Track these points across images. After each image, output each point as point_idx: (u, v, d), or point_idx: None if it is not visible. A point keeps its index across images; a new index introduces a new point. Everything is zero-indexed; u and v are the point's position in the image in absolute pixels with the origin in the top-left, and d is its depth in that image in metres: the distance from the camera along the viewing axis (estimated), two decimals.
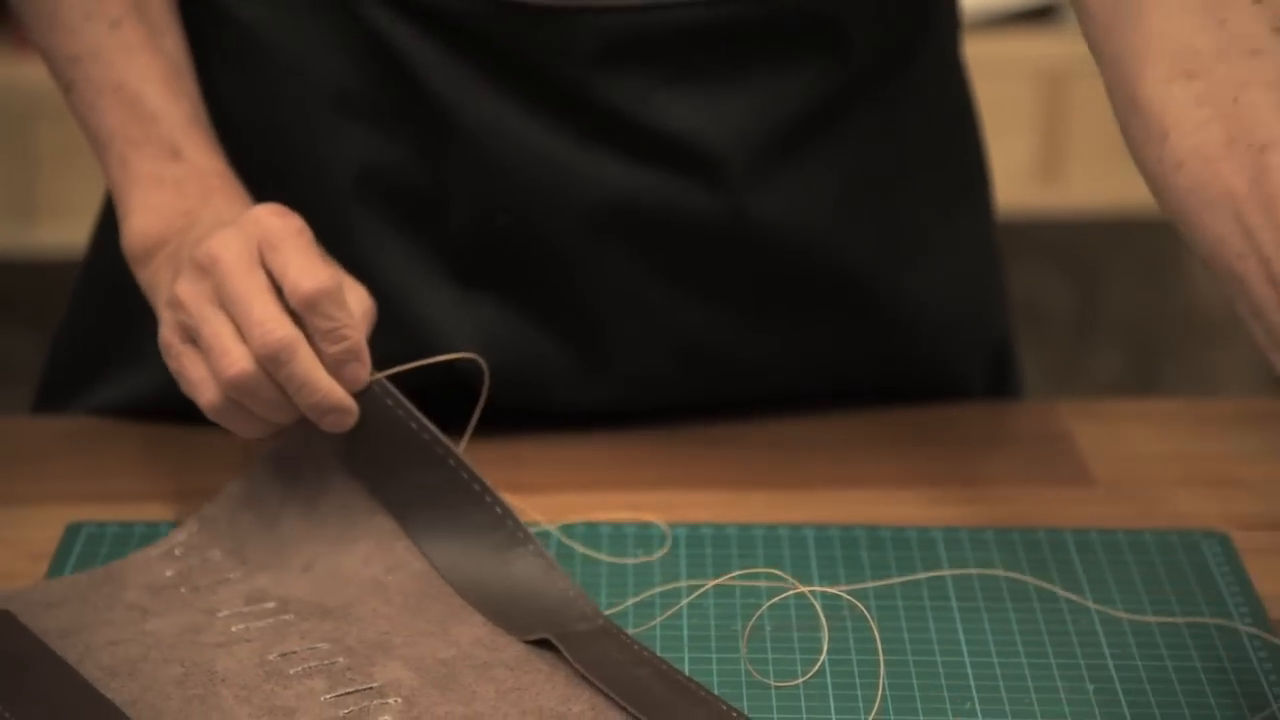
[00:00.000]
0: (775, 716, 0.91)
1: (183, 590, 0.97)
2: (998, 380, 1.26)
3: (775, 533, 1.05)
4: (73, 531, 1.05)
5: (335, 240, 1.06)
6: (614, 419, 1.15)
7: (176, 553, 1.00)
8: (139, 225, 1.03)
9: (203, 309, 0.96)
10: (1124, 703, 0.92)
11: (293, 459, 1.01)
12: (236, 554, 0.99)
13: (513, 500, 1.00)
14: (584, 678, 0.90)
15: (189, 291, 0.97)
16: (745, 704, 0.92)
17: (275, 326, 0.95)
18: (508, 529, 0.97)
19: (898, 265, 1.16)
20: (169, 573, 0.99)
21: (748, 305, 1.12)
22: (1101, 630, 0.98)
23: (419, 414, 0.99)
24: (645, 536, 1.05)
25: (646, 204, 1.09)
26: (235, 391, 0.96)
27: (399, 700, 0.88)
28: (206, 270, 0.96)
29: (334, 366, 0.97)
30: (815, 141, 1.11)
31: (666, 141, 1.08)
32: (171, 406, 1.17)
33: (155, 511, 1.07)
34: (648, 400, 1.15)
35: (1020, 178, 2.48)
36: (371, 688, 0.89)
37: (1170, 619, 0.99)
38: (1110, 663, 0.95)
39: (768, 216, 1.10)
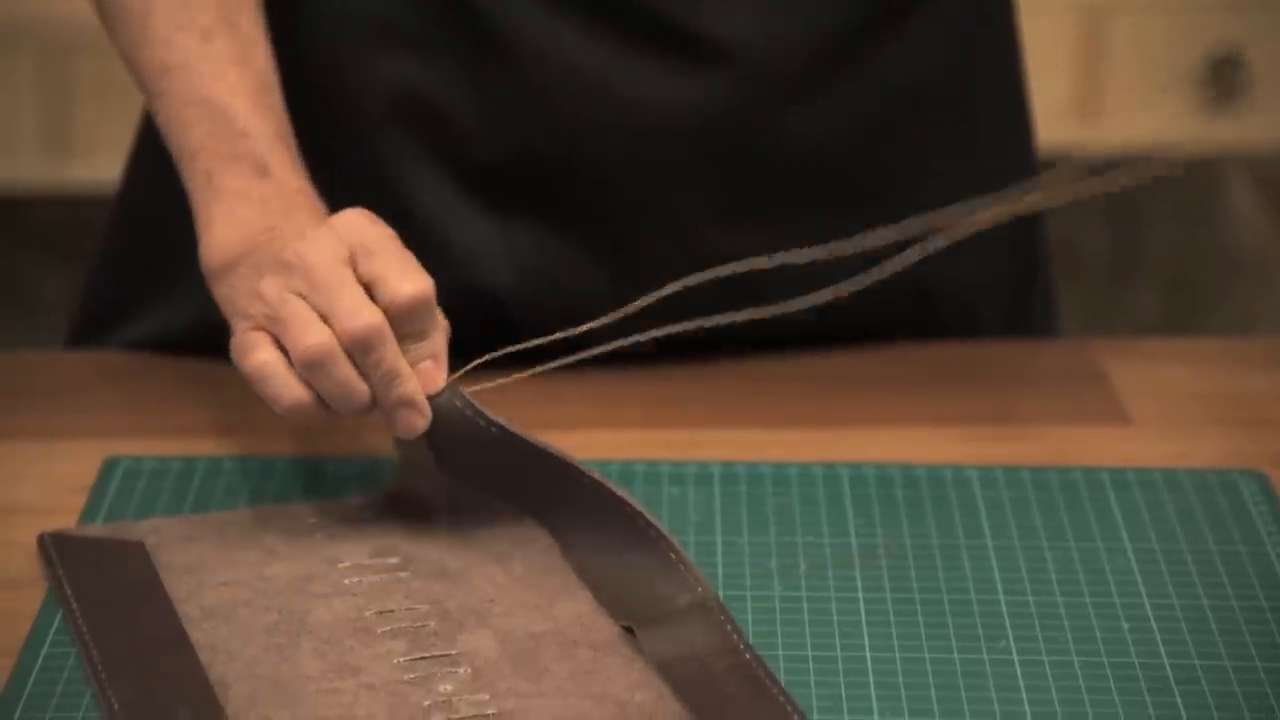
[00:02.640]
0: (809, 652, 0.91)
1: (318, 536, 0.98)
2: (1031, 315, 1.25)
3: (810, 471, 1.05)
4: (110, 466, 1.05)
5: (366, 167, 1.06)
6: (649, 354, 1.15)
7: (328, 504, 1.01)
8: (220, 238, 1.02)
9: (285, 298, 0.95)
10: (1159, 641, 0.92)
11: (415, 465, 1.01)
12: (376, 509, 1.00)
13: (547, 438, 1.00)
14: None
15: (272, 285, 0.96)
16: (780, 644, 0.92)
17: (368, 313, 0.93)
18: (605, 495, 0.96)
19: (935, 190, 1.16)
20: (312, 519, 0.99)
21: (785, 228, 1.12)
22: (1138, 569, 0.98)
23: (496, 418, 0.97)
24: (680, 474, 1.05)
25: (692, 122, 1.09)
26: (310, 367, 0.94)
27: (468, 670, 0.88)
28: (293, 266, 0.95)
29: (412, 364, 0.95)
30: (861, 57, 1.11)
31: (715, 52, 1.08)
32: (203, 340, 1.17)
33: (192, 446, 1.08)
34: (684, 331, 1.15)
35: (1057, 115, 2.46)
36: (448, 655, 0.89)
37: (1207, 558, 0.98)
38: (1146, 601, 0.95)
39: (810, 132, 1.10)
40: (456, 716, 0.86)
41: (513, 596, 0.94)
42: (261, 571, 0.95)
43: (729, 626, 0.90)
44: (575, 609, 0.93)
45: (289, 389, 0.95)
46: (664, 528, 0.94)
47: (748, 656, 0.89)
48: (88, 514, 1.01)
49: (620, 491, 0.95)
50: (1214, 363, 1.19)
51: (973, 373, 1.17)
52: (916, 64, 1.12)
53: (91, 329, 1.23)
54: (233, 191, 1.03)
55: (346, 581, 0.94)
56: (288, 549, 0.97)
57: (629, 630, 0.91)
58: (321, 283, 0.94)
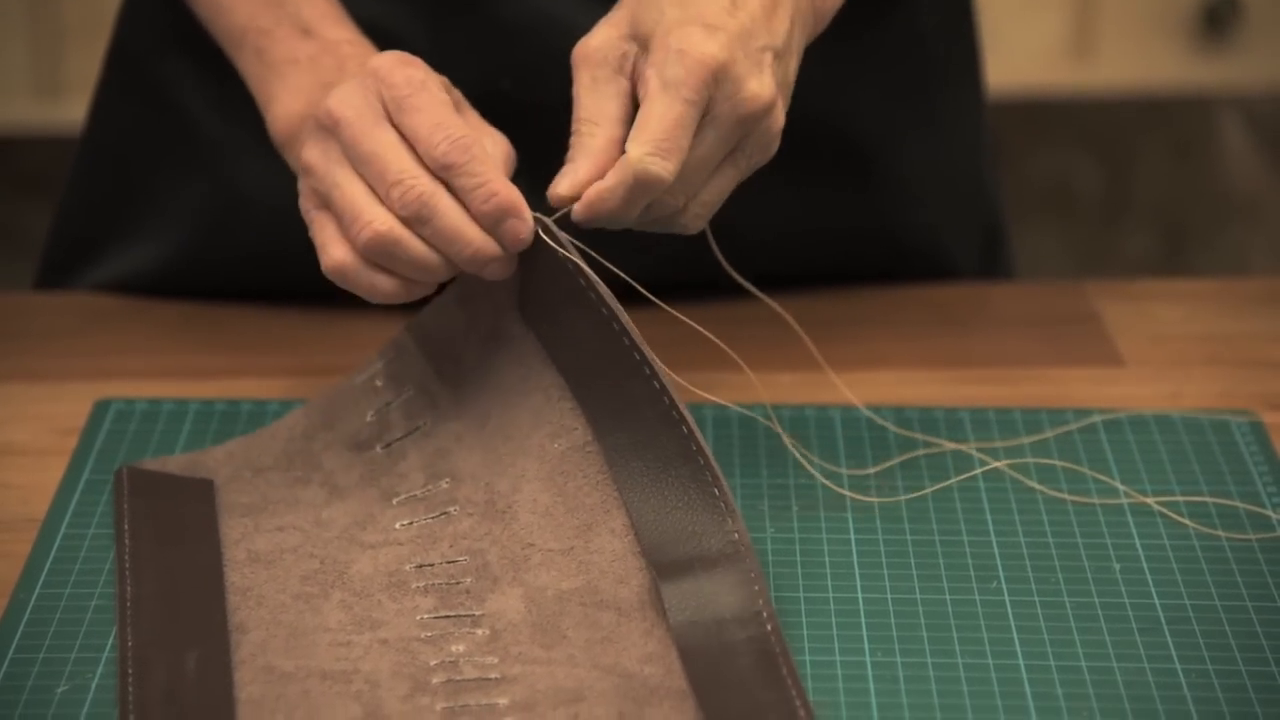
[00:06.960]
0: (801, 594, 0.91)
1: (378, 449, 0.97)
2: (990, 260, 1.26)
3: (802, 414, 1.05)
4: (101, 408, 1.05)
5: None
6: (626, 299, 1.14)
7: (378, 383, 0.99)
8: (283, 109, 1.01)
9: (332, 172, 0.92)
10: (1150, 581, 0.92)
11: (471, 298, 0.98)
12: (427, 392, 0.98)
13: None
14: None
15: (315, 154, 0.93)
16: (772, 585, 0.92)
17: (414, 182, 0.90)
18: (664, 406, 0.92)
19: (898, 136, 1.16)
20: (370, 416, 0.99)
21: (753, 174, 1.12)
22: (1129, 510, 0.98)
23: (584, 265, 0.93)
24: None
25: None
26: (374, 255, 0.91)
27: (486, 632, 0.88)
28: (331, 131, 0.92)
29: (490, 226, 0.91)
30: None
31: None
32: (172, 282, 1.17)
33: (183, 388, 1.08)
34: (654, 275, 1.15)
35: (1051, 56, 2.46)
36: (472, 615, 0.89)
37: (1198, 499, 0.98)
38: (1138, 542, 0.95)
39: None
40: (459, 678, 0.86)
41: (553, 532, 0.92)
42: (319, 515, 0.95)
43: (757, 586, 0.88)
44: (612, 547, 0.91)
45: (370, 284, 0.92)
46: (713, 459, 0.91)
47: (768, 628, 0.87)
48: (79, 456, 1.01)
49: (682, 406, 0.92)
50: (1206, 304, 1.19)
51: (965, 315, 1.17)
52: (866, 10, 1.12)
53: (58, 271, 1.22)
54: (283, 61, 1.02)
55: (398, 526, 0.94)
56: (347, 477, 0.97)
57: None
58: (363, 152, 0.91)
